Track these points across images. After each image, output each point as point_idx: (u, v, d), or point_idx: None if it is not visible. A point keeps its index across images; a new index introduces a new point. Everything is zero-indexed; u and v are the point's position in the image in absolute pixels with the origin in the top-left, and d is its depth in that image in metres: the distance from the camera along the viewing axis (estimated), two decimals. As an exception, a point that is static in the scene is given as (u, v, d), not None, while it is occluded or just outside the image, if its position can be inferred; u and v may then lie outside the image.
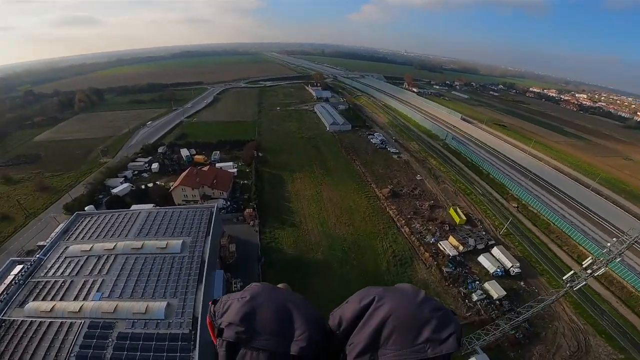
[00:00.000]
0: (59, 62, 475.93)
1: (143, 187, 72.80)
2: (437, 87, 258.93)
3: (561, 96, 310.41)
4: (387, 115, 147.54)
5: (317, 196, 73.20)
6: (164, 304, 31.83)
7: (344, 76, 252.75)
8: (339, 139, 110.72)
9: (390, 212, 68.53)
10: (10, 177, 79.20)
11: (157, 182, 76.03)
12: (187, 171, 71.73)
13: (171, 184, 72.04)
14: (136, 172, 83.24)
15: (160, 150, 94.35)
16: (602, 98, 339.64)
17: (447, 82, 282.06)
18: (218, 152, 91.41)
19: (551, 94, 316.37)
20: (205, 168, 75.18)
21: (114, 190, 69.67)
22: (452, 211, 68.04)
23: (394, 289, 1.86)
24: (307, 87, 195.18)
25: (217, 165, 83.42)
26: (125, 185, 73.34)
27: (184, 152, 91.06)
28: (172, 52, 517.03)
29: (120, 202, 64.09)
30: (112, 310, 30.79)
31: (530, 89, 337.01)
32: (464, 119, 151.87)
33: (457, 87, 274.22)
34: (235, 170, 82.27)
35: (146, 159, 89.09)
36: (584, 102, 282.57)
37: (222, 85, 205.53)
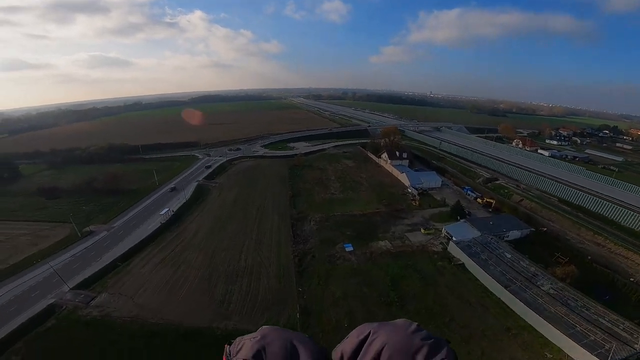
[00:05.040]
0: (81, 105, 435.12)
1: None
2: (554, 142, 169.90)
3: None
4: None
5: None
6: None
7: (413, 129, 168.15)
8: None
9: None
10: None
11: None
12: None
13: None
14: None
15: None
16: None
17: (552, 132, 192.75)
18: None
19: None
20: None
21: None
22: None
23: (388, 323, 1.93)
24: (373, 156, 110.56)
25: None
26: None
27: None
28: (192, 97, 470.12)
29: None
30: None
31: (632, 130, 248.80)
32: None
33: (577, 140, 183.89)
34: None
35: None
36: None
37: (227, 151, 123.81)
